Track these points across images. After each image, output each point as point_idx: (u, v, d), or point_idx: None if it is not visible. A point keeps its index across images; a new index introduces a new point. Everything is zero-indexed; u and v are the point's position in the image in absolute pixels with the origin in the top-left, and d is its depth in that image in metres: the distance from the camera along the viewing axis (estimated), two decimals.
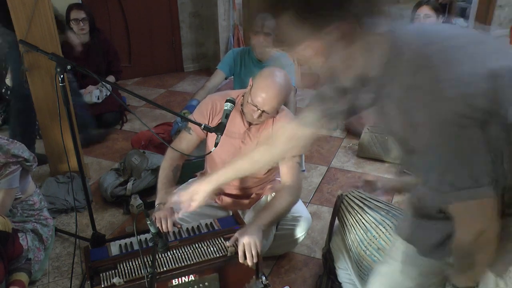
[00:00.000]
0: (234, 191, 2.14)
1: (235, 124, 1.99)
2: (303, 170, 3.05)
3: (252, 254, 1.65)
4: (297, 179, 1.95)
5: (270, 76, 1.86)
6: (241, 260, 1.65)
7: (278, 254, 2.32)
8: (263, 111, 1.86)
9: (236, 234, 1.71)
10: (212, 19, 4.74)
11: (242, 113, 1.98)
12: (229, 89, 2.91)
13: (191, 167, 2.33)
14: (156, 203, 1.93)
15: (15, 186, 2.10)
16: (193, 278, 1.66)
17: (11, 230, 1.84)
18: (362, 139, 3.26)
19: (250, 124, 1.99)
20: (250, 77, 2.92)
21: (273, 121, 1.98)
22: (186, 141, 2.06)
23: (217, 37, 4.77)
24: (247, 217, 2.11)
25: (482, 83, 0.89)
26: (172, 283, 1.64)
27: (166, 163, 2.04)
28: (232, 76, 3.05)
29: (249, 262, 1.64)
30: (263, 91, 1.83)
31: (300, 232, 2.19)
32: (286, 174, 1.94)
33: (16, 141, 2.14)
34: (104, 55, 3.85)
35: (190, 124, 1.99)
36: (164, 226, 1.79)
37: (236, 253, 1.68)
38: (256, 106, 1.85)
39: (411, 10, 3.26)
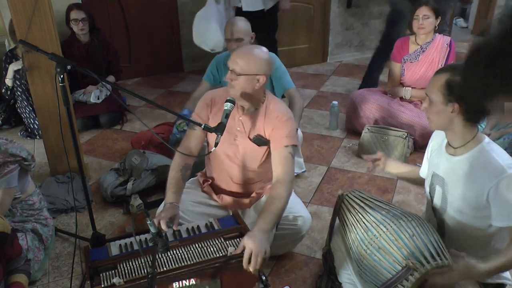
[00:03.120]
0: (234, 190, 2.14)
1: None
2: (304, 171, 3.04)
3: (257, 262, 1.62)
4: (289, 171, 1.93)
5: (260, 46, 1.96)
6: (245, 265, 1.63)
7: (278, 254, 2.32)
8: (231, 70, 1.88)
9: (243, 241, 1.67)
10: None
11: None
12: None
13: (193, 168, 2.33)
14: (164, 202, 1.93)
15: (13, 186, 2.11)
16: (193, 282, 1.65)
17: (10, 231, 1.83)
18: (362, 139, 3.26)
19: (243, 110, 1.99)
20: None
21: (265, 108, 1.97)
22: (193, 138, 2.06)
23: None
24: (248, 216, 2.11)
25: None
26: (172, 286, 1.63)
27: (175, 162, 2.03)
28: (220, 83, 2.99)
29: (251, 268, 1.62)
30: (233, 55, 1.91)
31: (300, 232, 2.19)
32: (278, 165, 1.94)
33: (14, 140, 2.15)
34: (104, 55, 3.85)
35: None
36: (164, 226, 1.78)
37: (239, 257, 1.66)
38: (228, 68, 1.91)
39: (410, 11, 3.26)
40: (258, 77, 1.88)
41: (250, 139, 1.98)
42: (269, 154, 2.01)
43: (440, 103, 1.57)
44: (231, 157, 2.05)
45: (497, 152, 1.58)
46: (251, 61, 1.86)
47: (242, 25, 2.73)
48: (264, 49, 1.95)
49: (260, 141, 1.95)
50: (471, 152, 1.60)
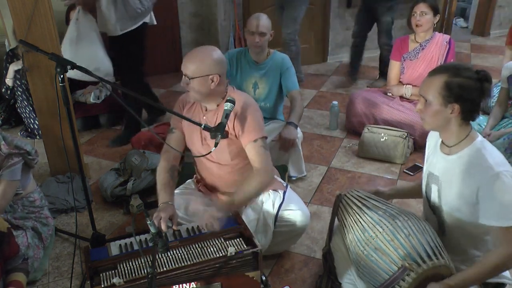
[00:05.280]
0: (227, 189, 2.14)
1: (195, 112, 2.05)
2: (304, 175, 3.03)
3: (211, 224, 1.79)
4: (264, 160, 1.97)
5: (208, 46, 1.96)
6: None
7: (278, 252, 2.32)
8: (184, 75, 1.90)
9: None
10: (212, 19, 4.74)
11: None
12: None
13: (191, 169, 2.33)
14: (159, 203, 1.94)
15: (16, 179, 2.13)
16: (194, 286, 1.65)
17: (6, 229, 1.84)
18: (362, 139, 3.26)
19: (206, 109, 2.03)
20: (246, 81, 2.92)
21: (235, 113, 1.96)
22: (173, 141, 2.09)
23: (217, 37, 4.77)
24: (245, 216, 2.10)
25: None
26: None
27: (161, 165, 2.08)
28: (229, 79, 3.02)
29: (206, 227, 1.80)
30: (184, 59, 1.91)
31: (298, 228, 2.19)
32: (253, 159, 1.98)
33: (16, 137, 2.18)
34: None
35: (172, 124, 2.09)
36: (164, 227, 1.79)
37: (239, 258, 1.67)
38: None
39: (410, 7, 3.26)
40: (211, 77, 1.88)
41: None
42: (236, 145, 2.01)
43: (439, 105, 1.57)
44: (207, 156, 2.06)
45: (488, 150, 1.58)
46: (200, 63, 1.86)
47: (266, 21, 2.82)
48: (214, 49, 1.94)
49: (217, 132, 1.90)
50: (465, 151, 1.61)
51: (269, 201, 2.13)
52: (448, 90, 1.54)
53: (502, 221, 1.50)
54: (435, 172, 1.73)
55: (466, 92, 1.54)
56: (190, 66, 1.87)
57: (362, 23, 4.44)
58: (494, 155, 1.57)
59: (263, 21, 2.78)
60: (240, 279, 1.65)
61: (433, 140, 1.83)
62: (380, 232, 1.65)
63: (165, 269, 1.64)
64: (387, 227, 1.65)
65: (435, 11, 3.17)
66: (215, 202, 1.89)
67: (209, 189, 2.19)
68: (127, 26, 3.17)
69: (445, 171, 1.68)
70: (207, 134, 1.98)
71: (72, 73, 2.44)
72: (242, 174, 2.10)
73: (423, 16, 3.14)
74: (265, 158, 1.97)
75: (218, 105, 1.99)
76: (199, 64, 1.86)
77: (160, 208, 1.88)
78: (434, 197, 1.75)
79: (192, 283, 1.64)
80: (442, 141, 1.71)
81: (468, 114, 1.58)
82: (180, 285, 1.63)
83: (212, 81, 1.89)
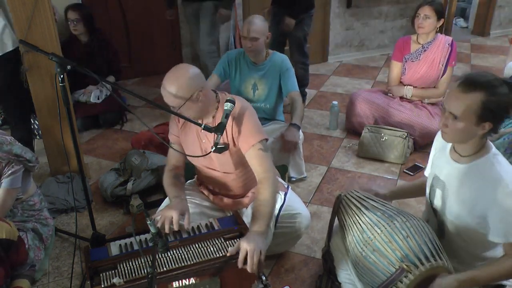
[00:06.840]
0: (229, 193, 2.14)
1: (192, 126, 2.01)
2: (304, 176, 3.03)
3: (253, 261, 1.62)
4: (267, 168, 1.92)
5: (174, 68, 1.88)
6: (240, 265, 1.63)
7: (278, 252, 2.32)
8: (172, 107, 1.85)
9: (240, 241, 1.68)
10: None
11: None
12: (227, 90, 2.90)
13: (190, 169, 2.33)
14: (170, 197, 1.97)
15: (17, 186, 2.12)
16: (193, 281, 1.65)
17: (16, 238, 1.85)
18: (362, 139, 3.26)
19: (202, 122, 1.97)
20: (245, 82, 2.91)
21: (220, 111, 1.92)
22: (173, 155, 2.10)
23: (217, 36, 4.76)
24: (246, 216, 2.10)
25: None
26: (172, 285, 1.63)
27: (165, 175, 2.08)
28: (228, 80, 3.02)
29: (249, 268, 1.62)
30: (162, 91, 1.83)
31: (299, 229, 2.19)
32: (255, 166, 1.93)
33: (17, 141, 2.16)
34: (104, 55, 3.85)
35: (170, 139, 2.10)
36: (166, 228, 1.79)
37: (237, 257, 1.66)
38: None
39: (416, 7, 3.24)
40: (195, 95, 1.82)
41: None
42: (237, 154, 1.99)
43: (471, 124, 1.49)
44: (209, 167, 2.07)
45: (502, 164, 1.54)
46: (179, 89, 1.79)
47: (259, 24, 2.77)
48: (184, 66, 1.88)
49: (219, 149, 1.86)
50: (476, 162, 1.57)
51: None
52: (484, 110, 1.47)
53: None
54: (441, 177, 1.71)
55: (502, 111, 1.48)
56: (172, 95, 1.80)
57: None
58: (508, 171, 1.53)
59: (254, 25, 2.73)
60: (238, 271, 1.65)
61: (441, 141, 1.76)
62: (378, 234, 1.65)
63: (165, 269, 1.64)
64: (385, 228, 1.65)
65: (440, 16, 3.13)
66: (250, 236, 1.70)
67: (211, 193, 2.18)
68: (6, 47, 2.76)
69: (452, 178, 1.65)
70: (207, 146, 1.97)
71: None
72: (248, 178, 2.11)
73: (426, 19, 3.12)
74: (267, 163, 1.92)
75: (213, 117, 1.95)
76: (178, 91, 1.79)
77: (172, 205, 1.88)
78: (437, 201, 1.74)
79: (191, 278, 1.64)
80: (453, 147, 1.66)
81: (495, 129, 1.53)
82: (180, 281, 1.63)
83: (198, 98, 1.83)
